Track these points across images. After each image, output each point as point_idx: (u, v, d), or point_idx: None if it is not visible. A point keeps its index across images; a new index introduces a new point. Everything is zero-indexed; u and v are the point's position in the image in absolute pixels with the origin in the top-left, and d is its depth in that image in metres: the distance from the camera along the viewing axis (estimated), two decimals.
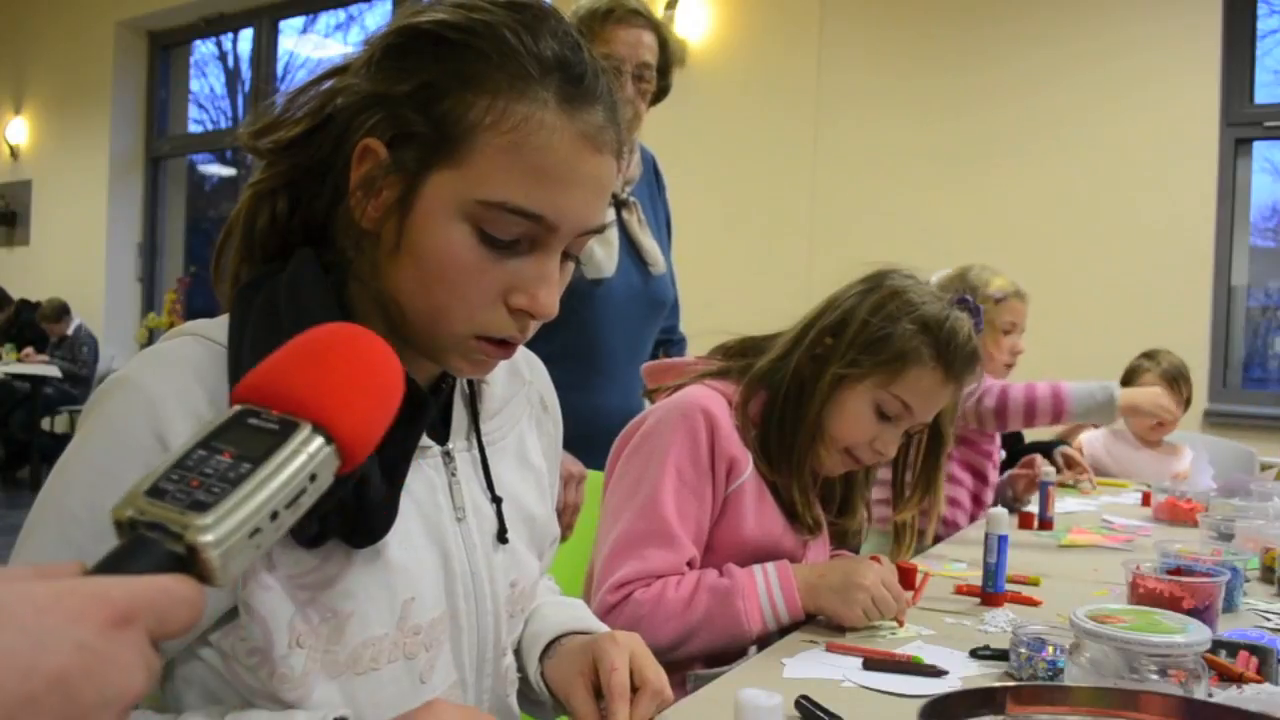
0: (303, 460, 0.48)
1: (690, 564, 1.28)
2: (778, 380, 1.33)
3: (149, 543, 0.44)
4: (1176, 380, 2.88)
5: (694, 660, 1.26)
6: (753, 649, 1.28)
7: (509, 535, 0.86)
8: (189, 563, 0.44)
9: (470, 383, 0.87)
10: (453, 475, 0.82)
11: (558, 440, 1.01)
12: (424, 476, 0.80)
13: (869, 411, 1.30)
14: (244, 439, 0.49)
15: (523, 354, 0.97)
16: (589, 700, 0.83)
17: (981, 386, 2.10)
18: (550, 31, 0.73)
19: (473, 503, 0.84)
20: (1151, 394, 2.42)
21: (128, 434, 0.68)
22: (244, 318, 0.73)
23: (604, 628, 0.95)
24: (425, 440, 0.80)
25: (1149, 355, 3.00)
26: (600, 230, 0.77)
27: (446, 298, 0.73)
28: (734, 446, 1.31)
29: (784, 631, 1.24)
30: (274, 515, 0.47)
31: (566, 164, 0.71)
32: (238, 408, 0.51)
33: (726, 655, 1.28)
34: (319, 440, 0.50)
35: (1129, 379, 3.00)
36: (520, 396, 0.93)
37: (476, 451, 0.86)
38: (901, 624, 1.24)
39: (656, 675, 0.83)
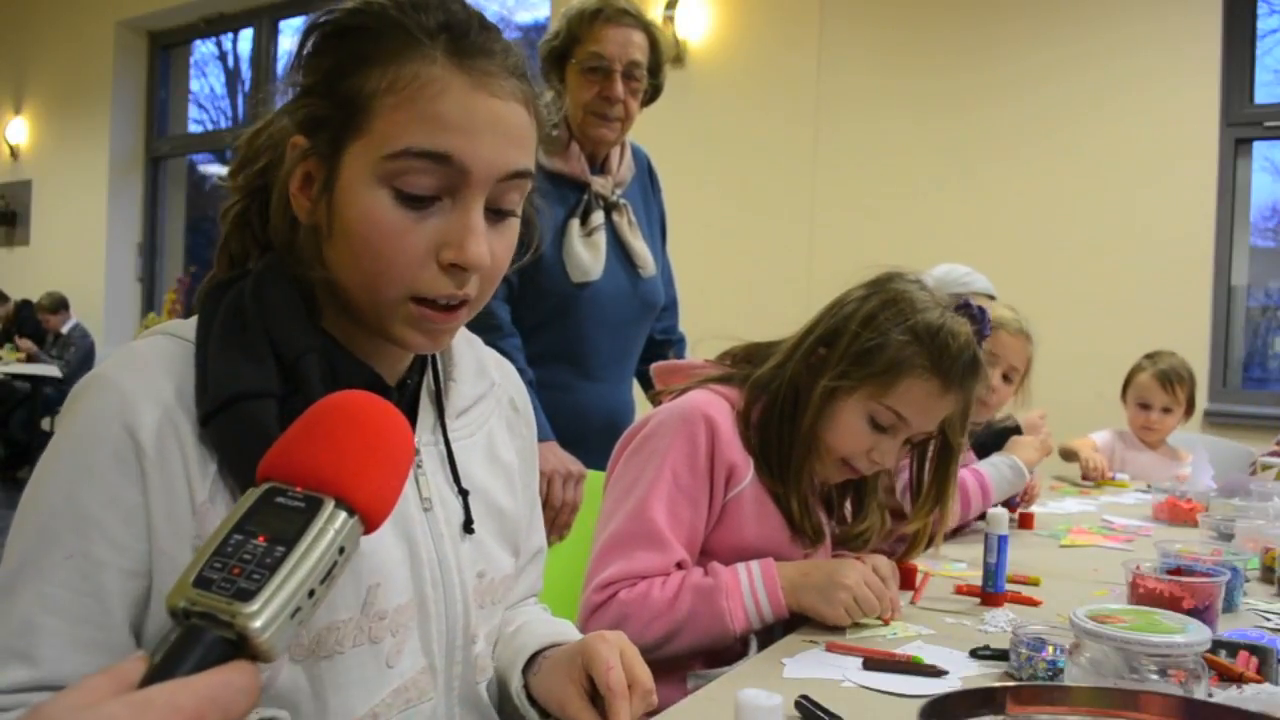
0: (330, 537, 0.52)
1: (680, 566, 1.28)
2: (775, 389, 1.33)
3: (201, 632, 0.48)
4: (1169, 381, 2.91)
5: (682, 658, 1.26)
6: (753, 649, 1.29)
7: (476, 527, 0.87)
8: (240, 646, 0.48)
9: (437, 381, 0.89)
10: (418, 468, 0.84)
11: (531, 441, 1.02)
12: None
13: (862, 423, 1.29)
14: (274, 520, 0.52)
15: (492, 356, 0.98)
16: (586, 706, 0.82)
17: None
18: (435, 4, 0.77)
19: (439, 495, 0.85)
20: (1031, 442, 2.13)
21: (98, 427, 0.71)
22: (211, 315, 0.77)
23: None
24: None
25: (1150, 356, 3.01)
26: (524, 176, 0.78)
27: (375, 263, 0.75)
28: (734, 453, 1.30)
29: (785, 631, 1.24)
30: (311, 593, 0.51)
31: (462, 107, 0.74)
32: (265, 486, 0.54)
33: (726, 655, 1.28)
34: (343, 515, 0.53)
35: (1129, 379, 3.03)
36: (489, 396, 0.95)
37: (443, 447, 0.87)
38: (887, 621, 1.24)
39: (646, 675, 0.82)
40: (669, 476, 1.27)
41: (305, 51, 0.79)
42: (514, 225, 0.80)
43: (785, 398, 1.31)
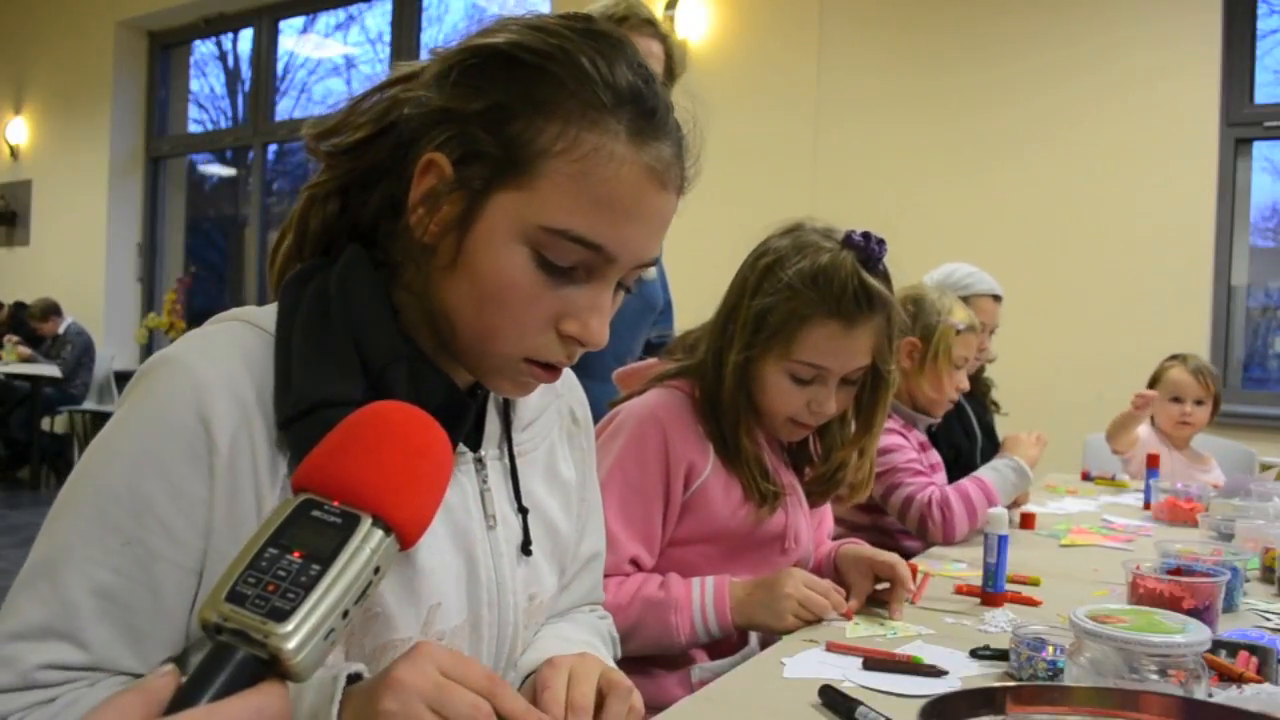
0: (366, 556, 0.51)
1: (635, 561, 1.30)
2: (704, 371, 1.36)
3: (232, 650, 0.47)
4: (1201, 373, 2.89)
5: (686, 653, 1.29)
6: (753, 641, 1.30)
7: (533, 548, 0.85)
8: (272, 665, 0.48)
9: None
10: (484, 483, 0.82)
11: (590, 454, 1.00)
12: (456, 482, 0.80)
13: (787, 383, 1.31)
14: (310, 535, 0.51)
15: None
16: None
17: (912, 495, 1.87)
18: (625, 62, 0.73)
19: (501, 512, 0.83)
20: (1028, 440, 2.11)
21: (172, 415, 0.68)
22: (293, 308, 0.74)
23: None
24: (460, 446, 0.80)
25: (1175, 357, 2.98)
26: (653, 264, 0.78)
27: (499, 319, 0.73)
28: (691, 449, 1.32)
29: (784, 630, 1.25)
30: (345, 614, 0.50)
31: (631, 197, 0.72)
32: (301, 498, 0.53)
33: (725, 645, 1.31)
34: (379, 534, 0.52)
35: (1156, 378, 2.97)
36: (552, 410, 0.93)
37: (507, 461, 0.85)
38: (849, 616, 1.26)
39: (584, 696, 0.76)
40: (619, 477, 1.30)
41: (469, 64, 0.73)
42: (622, 297, 0.78)
43: (712, 377, 1.35)
